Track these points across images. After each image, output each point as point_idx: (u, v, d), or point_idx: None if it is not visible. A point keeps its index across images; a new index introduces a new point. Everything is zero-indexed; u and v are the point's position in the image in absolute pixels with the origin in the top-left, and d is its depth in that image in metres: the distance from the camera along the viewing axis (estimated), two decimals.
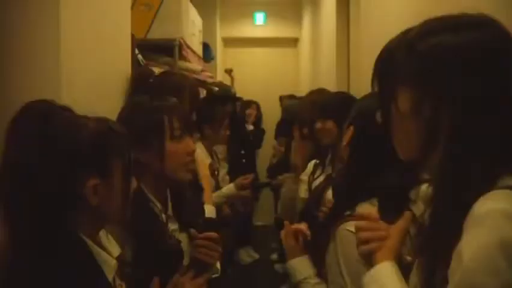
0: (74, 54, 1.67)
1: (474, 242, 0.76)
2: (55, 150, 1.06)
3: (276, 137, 6.00)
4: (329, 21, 4.88)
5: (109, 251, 1.16)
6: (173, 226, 1.62)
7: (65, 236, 1.05)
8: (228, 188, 2.99)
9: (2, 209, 1.05)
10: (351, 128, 1.48)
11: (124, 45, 2.26)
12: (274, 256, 5.68)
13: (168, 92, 1.73)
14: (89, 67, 1.80)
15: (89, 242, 1.10)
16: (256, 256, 5.71)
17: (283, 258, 5.32)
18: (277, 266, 5.35)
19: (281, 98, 6.41)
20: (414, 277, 0.95)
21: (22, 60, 1.58)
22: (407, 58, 0.91)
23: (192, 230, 1.65)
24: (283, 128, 4.56)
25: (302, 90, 6.11)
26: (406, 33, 0.95)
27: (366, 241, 1.02)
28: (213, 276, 1.67)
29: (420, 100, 0.88)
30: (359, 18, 3.44)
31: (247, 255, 5.62)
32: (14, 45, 1.58)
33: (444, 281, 0.79)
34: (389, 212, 1.07)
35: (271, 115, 6.57)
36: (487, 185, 0.81)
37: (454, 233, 0.80)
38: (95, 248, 1.10)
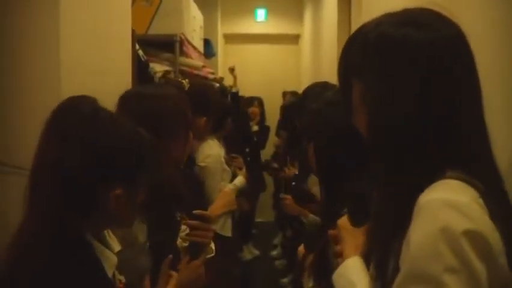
0: (74, 49, 1.66)
1: (418, 230, 0.80)
2: (95, 153, 1.05)
3: (278, 133, 6.01)
4: (331, 18, 4.87)
5: (111, 247, 1.16)
6: None
7: (69, 235, 1.05)
8: (239, 181, 3.16)
9: (29, 202, 1.05)
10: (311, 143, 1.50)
11: (125, 41, 2.25)
12: (275, 253, 5.69)
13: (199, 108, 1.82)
14: (89, 62, 1.79)
15: (91, 239, 1.09)
16: (257, 253, 5.72)
17: (283, 255, 5.35)
18: (278, 263, 5.35)
19: (284, 94, 6.41)
20: (372, 269, 0.98)
21: (22, 54, 1.58)
22: (357, 49, 0.94)
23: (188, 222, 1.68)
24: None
25: (304, 87, 6.10)
26: (367, 25, 0.97)
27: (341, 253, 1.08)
28: (208, 256, 1.69)
29: (365, 91, 0.92)
30: (360, 14, 3.43)
31: (248, 252, 5.63)
32: (13, 40, 1.58)
33: (396, 269, 0.83)
34: (359, 218, 1.10)
35: (273, 112, 6.57)
36: (430, 177, 0.84)
37: (399, 224, 0.84)
38: (98, 246, 1.10)
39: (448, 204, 0.79)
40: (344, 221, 1.13)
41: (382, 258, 0.89)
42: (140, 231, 1.48)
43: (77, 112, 1.07)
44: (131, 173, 1.11)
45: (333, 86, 2.77)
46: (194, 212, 1.63)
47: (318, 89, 2.65)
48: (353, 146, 1.33)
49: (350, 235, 1.09)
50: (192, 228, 1.62)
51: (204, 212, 1.67)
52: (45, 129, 1.07)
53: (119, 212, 1.10)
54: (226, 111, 3.59)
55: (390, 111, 0.88)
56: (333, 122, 1.40)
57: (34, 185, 1.05)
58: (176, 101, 1.61)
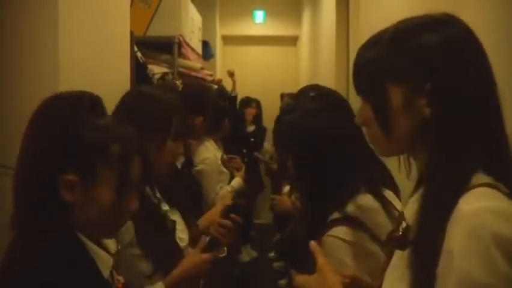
0: (73, 51, 1.67)
1: (467, 241, 0.78)
2: (50, 139, 1.04)
3: None
4: (329, 20, 4.88)
5: (106, 246, 1.15)
6: (165, 207, 1.69)
7: (60, 233, 1.04)
8: (237, 182, 3.21)
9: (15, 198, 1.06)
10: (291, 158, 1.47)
11: (123, 43, 2.26)
12: (273, 254, 5.69)
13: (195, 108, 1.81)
14: (88, 64, 1.80)
15: (86, 240, 1.08)
16: (255, 254, 5.72)
17: (281, 257, 5.34)
18: (276, 264, 5.35)
19: (282, 96, 6.42)
20: (389, 277, 0.96)
21: (21, 56, 1.58)
22: (393, 56, 0.94)
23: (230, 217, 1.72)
24: None
25: None
26: (381, 35, 0.98)
27: None
28: (220, 256, 1.71)
29: (408, 95, 0.92)
30: (358, 16, 3.43)
31: (246, 254, 5.62)
32: (13, 41, 1.58)
33: (433, 278, 0.81)
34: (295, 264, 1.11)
35: (271, 113, 6.57)
36: (466, 184, 0.84)
37: (439, 233, 0.82)
38: (92, 246, 1.09)
39: (495, 212, 0.79)
40: (300, 279, 1.12)
41: (418, 266, 0.86)
42: (126, 231, 1.47)
43: (60, 106, 1.08)
44: (88, 162, 1.04)
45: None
46: (232, 215, 1.67)
47: (309, 92, 2.66)
48: (331, 154, 1.33)
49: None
50: (222, 226, 1.64)
51: (238, 219, 1.69)
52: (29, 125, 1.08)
53: (82, 206, 1.05)
54: (222, 113, 3.60)
55: (436, 114, 0.88)
56: (311, 130, 1.38)
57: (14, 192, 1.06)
58: (160, 103, 1.59)
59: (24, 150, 1.07)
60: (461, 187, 0.84)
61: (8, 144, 1.57)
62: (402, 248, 0.94)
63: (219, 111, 3.52)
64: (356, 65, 1.07)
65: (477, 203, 0.81)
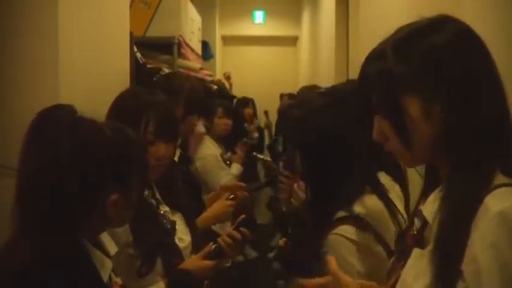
0: (72, 51, 1.67)
1: (504, 237, 0.80)
2: (85, 162, 1.04)
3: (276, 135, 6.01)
4: (328, 20, 4.88)
5: (106, 248, 1.15)
6: (164, 208, 1.67)
7: (67, 241, 1.04)
8: (236, 168, 3.31)
9: (19, 211, 1.04)
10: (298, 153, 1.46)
11: (123, 43, 2.26)
12: (273, 254, 5.69)
13: (164, 93, 1.73)
14: (87, 64, 1.80)
15: (89, 246, 1.09)
16: (255, 255, 5.72)
17: (281, 257, 5.32)
18: (276, 264, 5.36)
19: (281, 96, 6.42)
20: (406, 276, 0.95)
21: (20, 58, 1.58)
22: (404, 66, 0.92)
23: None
24: None
25: None
26: (382, 47, 0.96)
27: None
28: (225, 265, 1.71)
29: (425, 104, 0.90)
30: (358, 16, 3.44)
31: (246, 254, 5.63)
32: (12, 43, 1.58)
33: (457, 274, 0.83)
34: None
35: (270, 114, 6.57)
36: (489, 183, 0.85)
37: (465, 231, 0.84)
38: (94, 252, 1.10)
39: None
40: (312, 283, 1.11)
41: (441, 265, 0.87)
42: (123, 231, 1.47)
43: (60, 121, 1.06)
44: (123, 177, 1.09)
45: (319, 89, 2.76)
46: (243, 230, 1.62)
47: (308, 91, 2.67)
48: (338, 150, 1.33)
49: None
50: (230, 236, 1.61)
51: (248, 234, 1.65)
52: (27, 142, 1.05)
53: (118, 215, 1.11)
54: (208, 110, 3.56)
55: (473, 114, 0.88)
56: (316, 128, 1.38)
57: (23, 198, 1.05)
58: (133, 102, 1.58)
59: (54, 166, 1.04)
60: (485, 187, 0.85)
61: (9, 143, 1.57)
62: (420, 245, 0.94)
63: (206, 108, 3.49)
64: (363, 81, 1.02)
65: (504, 203, 0.82)
